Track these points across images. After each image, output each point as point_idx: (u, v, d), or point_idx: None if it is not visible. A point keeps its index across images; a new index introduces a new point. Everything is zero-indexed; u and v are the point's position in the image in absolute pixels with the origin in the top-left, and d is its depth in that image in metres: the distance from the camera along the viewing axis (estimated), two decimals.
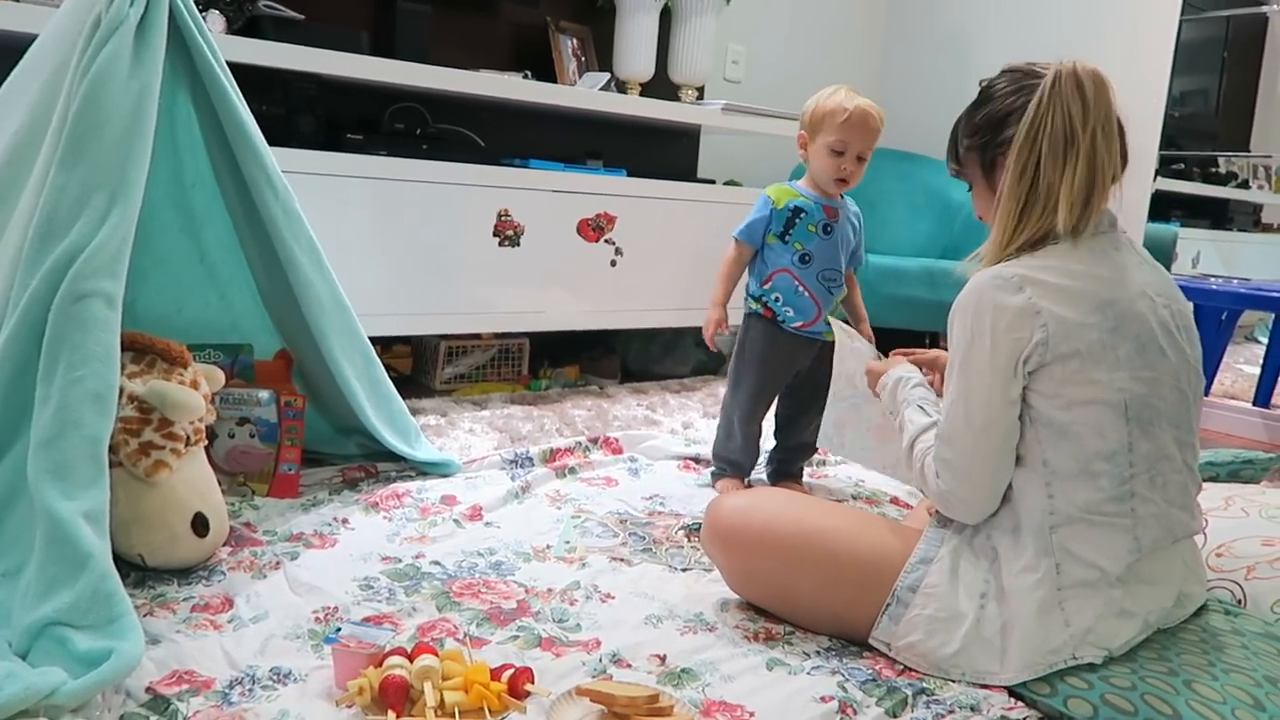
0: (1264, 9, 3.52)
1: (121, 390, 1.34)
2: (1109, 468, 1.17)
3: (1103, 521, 1.18)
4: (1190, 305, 1.30)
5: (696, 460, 2.16)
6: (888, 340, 3.29)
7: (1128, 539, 1.18)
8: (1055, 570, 1.18)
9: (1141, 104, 3.24)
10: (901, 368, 1.47)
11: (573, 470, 2.02)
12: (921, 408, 1.36)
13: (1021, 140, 1.20)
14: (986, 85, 1.31)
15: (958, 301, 1.24)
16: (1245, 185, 3.80)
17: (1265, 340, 3.32)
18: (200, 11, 1.69)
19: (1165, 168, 3.31)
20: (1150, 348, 1.20)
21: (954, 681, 1.21)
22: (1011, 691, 1.19)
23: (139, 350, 1.48)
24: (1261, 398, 3.07)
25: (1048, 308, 1.17)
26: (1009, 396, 1.19)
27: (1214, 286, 2.96)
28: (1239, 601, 1.40)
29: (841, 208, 1.94)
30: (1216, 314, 3.01)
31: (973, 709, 1.16)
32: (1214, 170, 3.78)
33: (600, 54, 3.07)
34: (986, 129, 1.28)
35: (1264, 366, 3.12)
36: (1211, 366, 3.08)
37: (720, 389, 2.95)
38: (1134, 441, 1.18)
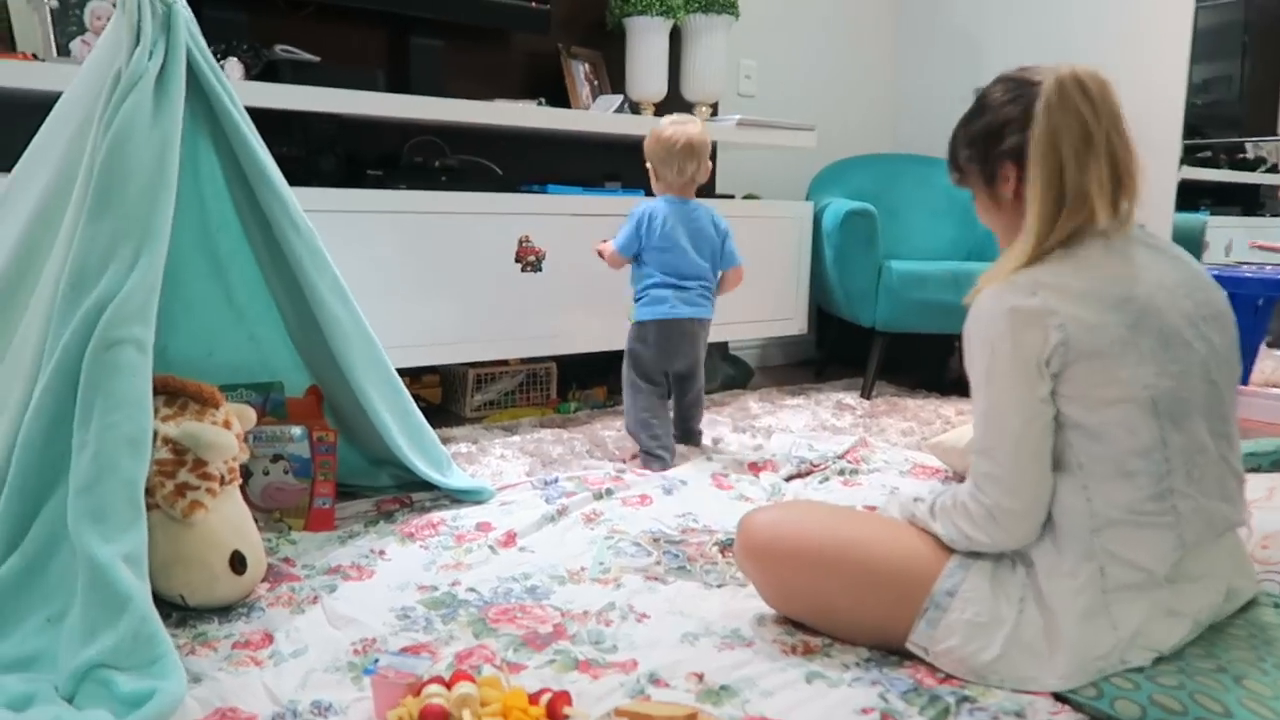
0: None
1: (155, 433, 1.37)
2: (1144, 465, 1.15)
3: (1146, 522, 1.16)
4: (1221, 293, 1.27)
5: (727, 475, 2.15)
6: (915, 345, 3.25)
7: (1171, 536, 1.16)
8: (1100, 574, 1.16)
9: (1161, 94, 3.21)
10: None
11: (609, 491, 2.02)
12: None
13: (1043, 149, 1.19)
14: (982, 95, 1.31)
15: (971, 316, 1.23)
16: (1275, 170, 3.73)
17: None
18: (218, 59, 1.73)
19: (1191, 156, 3.27)
20: (1174, 341, 1.18)
21: (995, 688, 1.19)
22: (1056, 695, 1.17)
23: (171, 393, 1.50)
24: None
25: (1063, 309, 1.16)
26: (1039, 394, 1.17)
27: (1248, 274, 2.91)
28: None
29: None
30: (1251, 301, 2.95)
31: (1017, 715, 1.14)
32: (1241, 156, 3.72)
33: (613, 76, 3.10)
34: (984, 139, 1.28)
35: None
36: (1248, 355, 3.03)
37: (750, 402, 2.95)
38: (1167, 437, 1.16)
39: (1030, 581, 1.21)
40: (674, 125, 2.27)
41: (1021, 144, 1.22)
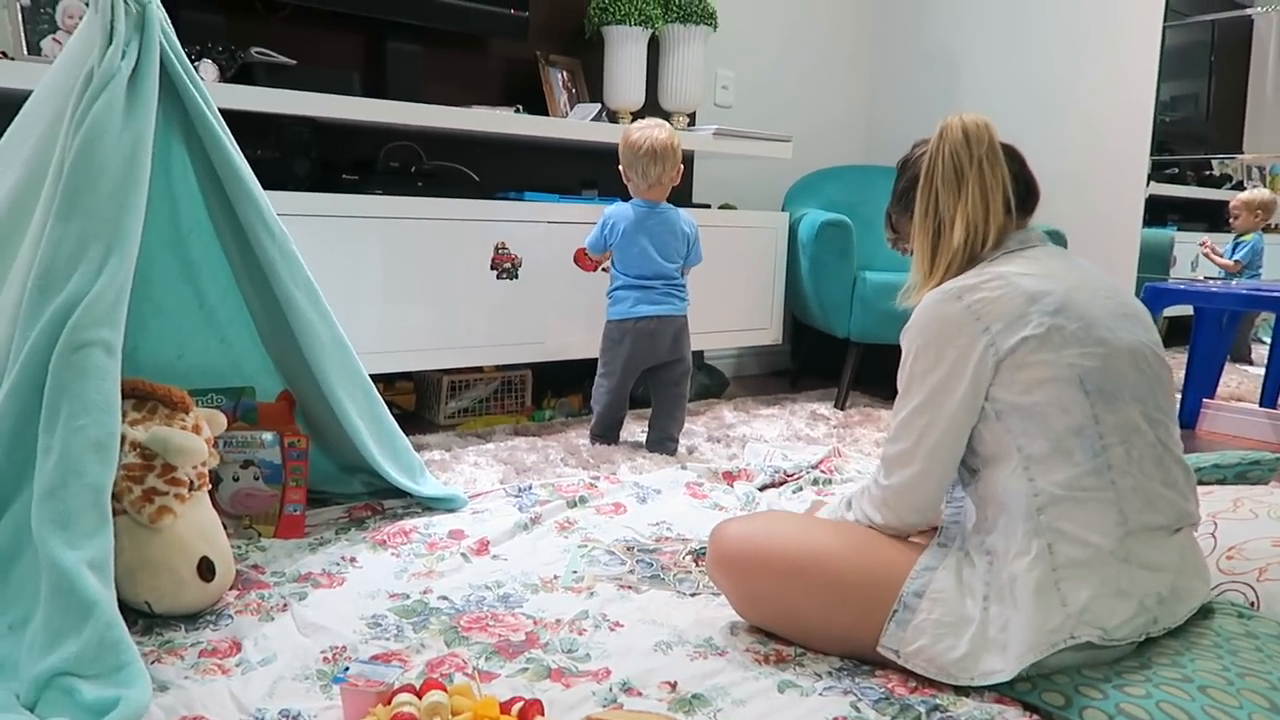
0: (1248, 12, 3.54)
1: (123, 438, 1.35)
2: (1080, 443, 1.21)
3: (1087, 497, 1.20)
4: (1136, 300, 1.36)
5: (701, 484, 2.15)
6: (889, 356, 3.27)
7: (1113, 511, 1.20)
8: (1048, 550, 1.19)
9: (1129, 112, 3.27)
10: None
11: (583, 499, 2.01)
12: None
13: (922, 183, 1.35)
14: (902, 159, 1.46)
15: (909, 321, 1.33)
16: (1240, 187, 3.80)
17: (1269, 340, 3.31)
18: (193, 61, 1.71)
19: (1159, 172, 3.32)
20: (1098, 325, 1.25)
21: (963, 689, 1.21)
22: (1026, 705, 1.18)
23: (140, 397, 1.48)
24: (1268, 399, 3.05)
25: (988, 311, 1.25)
26: (954, 398, 1.25)
27: (1214, 289, 2.96)
28: (1252, 604, 1.39)
29: None
30: (1218, 316, 3.00)
31: None
32: (1208, 173, 3.78)
33: (590, 85, 3.10)
34: (907, 189, 1.41)
35: (1269, 367, 3.11)
36: (1215, 368, 3.08)
37: (725, 412, 2.95)
38: (1099, 414, 1.22)
39: (992, 576, 1.23)
40: (641, 130, 2.36)
41: None
